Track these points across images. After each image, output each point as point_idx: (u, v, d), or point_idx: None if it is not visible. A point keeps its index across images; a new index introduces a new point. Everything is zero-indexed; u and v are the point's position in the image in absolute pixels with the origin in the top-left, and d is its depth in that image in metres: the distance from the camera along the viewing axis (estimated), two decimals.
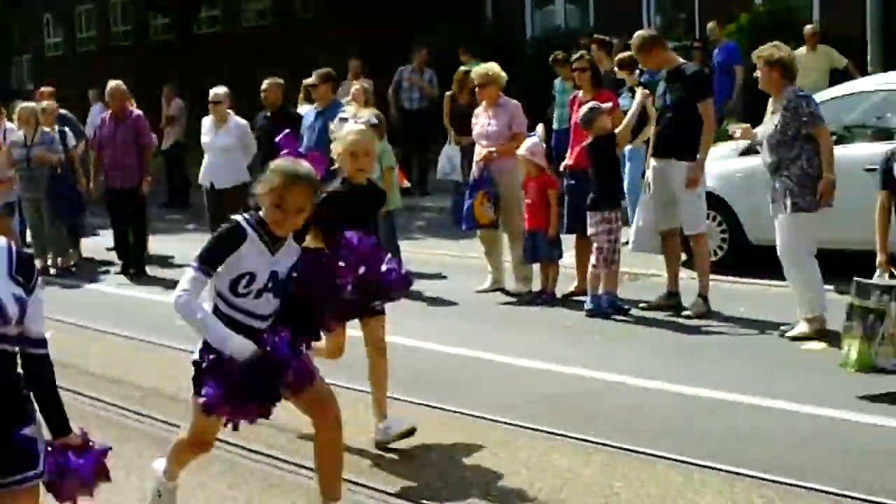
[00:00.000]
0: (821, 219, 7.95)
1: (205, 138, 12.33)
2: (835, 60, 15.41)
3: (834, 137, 8.59)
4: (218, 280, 4.62)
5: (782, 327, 8.16)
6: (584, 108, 9.26)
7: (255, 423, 4.78)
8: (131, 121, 12.54)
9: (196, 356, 4.65)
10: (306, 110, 11.91)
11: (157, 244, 13.53)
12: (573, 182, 9.70)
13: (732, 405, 6.65)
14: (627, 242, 9.42)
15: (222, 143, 12.12)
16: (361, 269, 5.08)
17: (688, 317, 8.79)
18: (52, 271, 12.76)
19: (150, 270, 12.59)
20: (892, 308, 6.57)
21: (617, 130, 9.17)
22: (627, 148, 10.43)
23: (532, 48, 20.39)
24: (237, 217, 4.67)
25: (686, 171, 8.75)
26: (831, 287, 8.11)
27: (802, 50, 14.76)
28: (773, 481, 5.35)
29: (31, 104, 13.26)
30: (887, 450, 5.78)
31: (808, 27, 15.72)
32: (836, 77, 14.44)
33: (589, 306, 9.12)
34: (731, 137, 9.48)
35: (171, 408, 6.97)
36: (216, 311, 4.63)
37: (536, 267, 9.95)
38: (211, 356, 4.52)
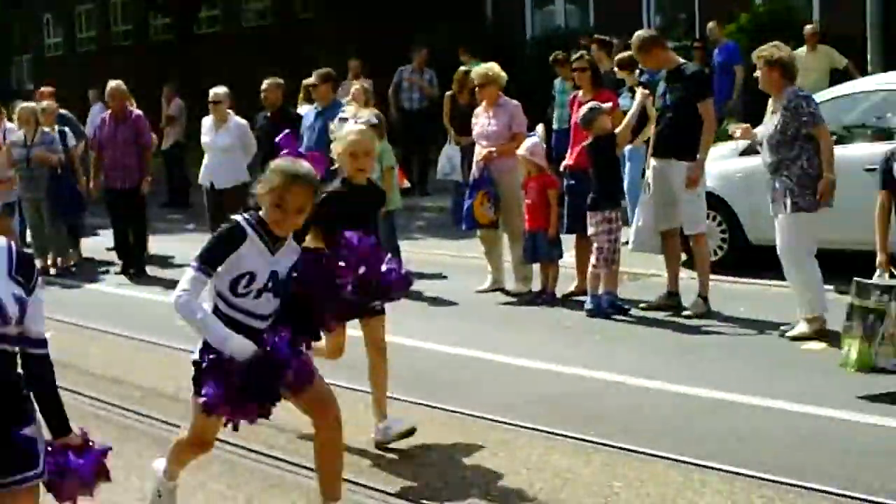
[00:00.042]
0: (821, 219, 7.94)
1: (205, 138, 12.33)
2: (835, 60, 15.40)
3: (834, 137, 8.59)
4: (218, 280, 4.61)
5: (782, 327, 8.16)
6: (584, 108, 9.26)
7: (255, 423, 4.77)
8: (131, 121, 12.54)
9: (196, 356, 4.65)
10: (306, 110, 11.91)
11: (157, 244, 13.53)
12: (573, 182, 9.69)
13: (732, 405, 6.65)
14: (627, 242, 9.42)
15: (222, 143, 12.11)
16: (361, 269, 5.08)
17: (688, 317, 8.79)
18: (52, 271, 12.75)
19: (150, 270, 12.58)
20: (892, 308, 6.57)
21: (617, 130, 9.16)
22: (627, 148, 10.43)
23: (532, 48, 20.39)
24: (237, 217, 4.66)
25: (686, 171, 8.75)
26: (831, 287, 8.11)
27: (802, 50, 14.76)
28: (773, 481, 5.34)
29: (31, 104, 13.26)
30: (887, 450, 5.78)
31: (808, 27, 15.72)
32: (836, 77, 14.45)
33: (589, 306, 9.12)
34: (731, 137, 9.48)
35: (171, 408, 6.97)
36: (216, 311, 4.63)
37: (536, 267, 9.95)
38: (211, 356, 4.51)
